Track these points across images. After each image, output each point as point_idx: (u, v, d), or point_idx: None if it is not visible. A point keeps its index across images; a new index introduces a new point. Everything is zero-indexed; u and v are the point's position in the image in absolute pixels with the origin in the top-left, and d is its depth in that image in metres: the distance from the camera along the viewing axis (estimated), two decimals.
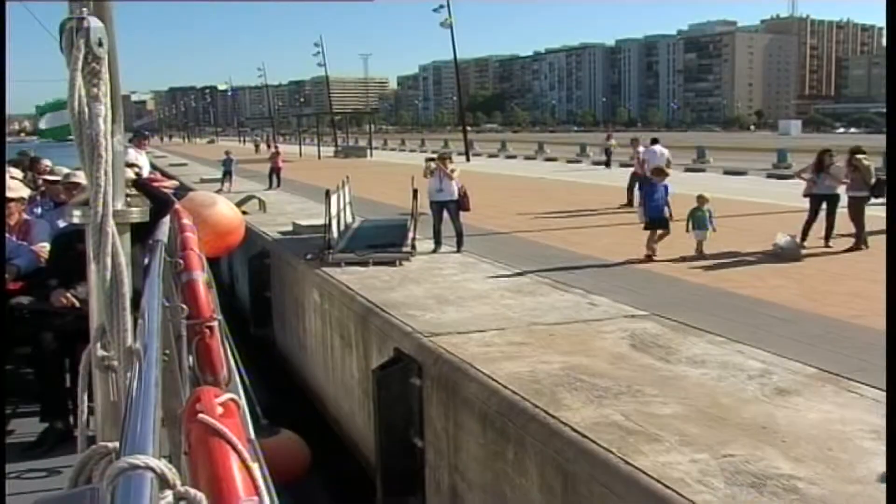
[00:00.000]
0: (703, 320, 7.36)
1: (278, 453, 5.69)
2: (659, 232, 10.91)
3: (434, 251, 11.37)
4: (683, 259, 10.57)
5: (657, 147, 18.10)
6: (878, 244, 11.39)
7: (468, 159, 37.58)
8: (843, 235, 11.60)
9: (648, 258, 10.62)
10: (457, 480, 6.19)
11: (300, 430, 7.64)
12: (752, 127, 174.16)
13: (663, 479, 4.13)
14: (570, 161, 36.61)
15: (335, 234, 11.55)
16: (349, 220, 13.83)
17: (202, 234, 4.20)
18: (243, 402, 1.52)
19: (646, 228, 11.06)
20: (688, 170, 28.09)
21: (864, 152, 12.06)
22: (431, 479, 6.65)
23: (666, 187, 11.32)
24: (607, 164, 31.15)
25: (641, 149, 18.62)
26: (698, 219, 11.02)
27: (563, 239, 12.65)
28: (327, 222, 11.10)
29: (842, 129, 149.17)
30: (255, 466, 0.99)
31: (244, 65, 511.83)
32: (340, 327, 9.13)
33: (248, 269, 13.75)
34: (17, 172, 7.64)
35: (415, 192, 11.76)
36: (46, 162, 10.36)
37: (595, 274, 9.77)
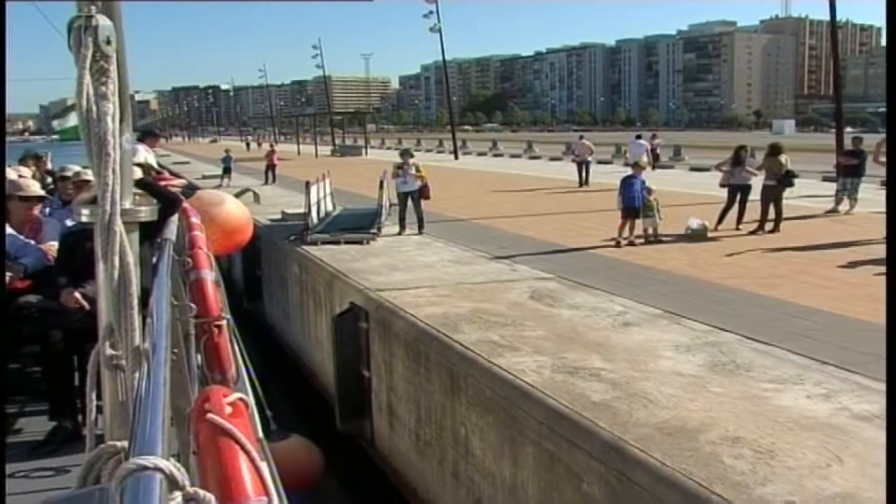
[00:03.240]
0: (597, 281, 9.23)
1: (289, 459, 5.50)
2: (631, 220, 12.18)
3: (399, 234, 13.25)
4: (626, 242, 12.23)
5: (642, 141, 23.58)
6: (787, 229, 13.26)
7: (456, 157, 39.52)
8: (763, 220, 13.39)
9: (630, 243, 11.85)
10: (392, 398, 8.07)
11: (311, 435, 8.85)
12: (752, 126, 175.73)
13: (510, 370, 6.00)
14: (552, 159, 38.54)
15: (315, 220, 13.47)
16: (329, 208, 15.76)
17: (210, 233, 4.17)
18: (252, 401, 1.53)
19: (623, 217, 12.28)
20: (658, 167, 29.89)
21: (781, 149, 13.87)
22: (375, 400, 8.54)
23: (643, 181, 12.76)
24: (653, 165, 28.94)
25: (584, 141, 24.34)
26: (647, 207, 12.47)
27: (514, 224, 14.53)
28: (307, 209, 13.00)
29: None
30: (263, 466, 1.00)
31: (248, 64, 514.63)
32: (314, 292, 11.02)
33: (241, 252, 15.59)
34: (27, 171, 8.03)
35: (381, 183, 13.68)
36: (46, 161, 10.89)
37: (530, 250, 11.62)
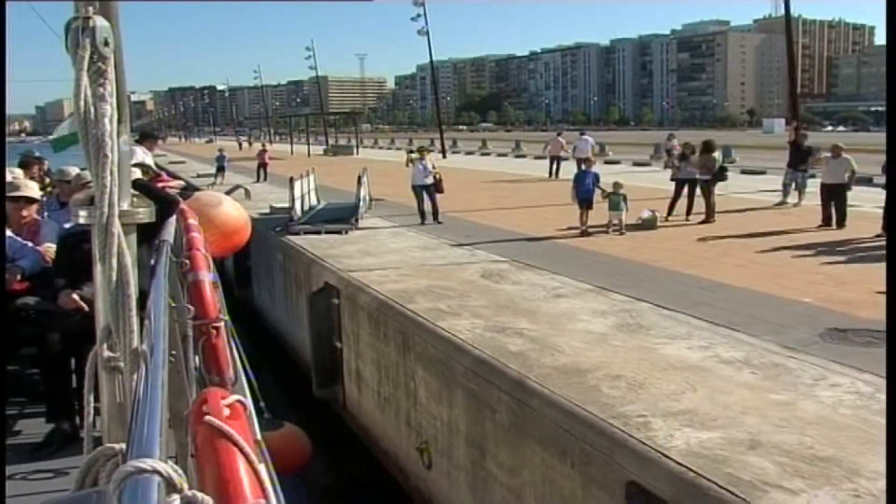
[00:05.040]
0: (545, 263, 10.41)
1: (282, 447, 5.43)
2: (585, 210, 13.24)
3: (421, 223, 14.48)
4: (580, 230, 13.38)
5: (587, 137, 25.98)
6: (733, 219, 14.46)
7: (444, 156, 40.72)
8: (708, 210, 14.58)
9: (583, 233, 12.92)
10: (359, 364, 9.25)
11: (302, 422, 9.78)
12: (745, 125, 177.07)
13: (450, 330, 7.18)
14: (536, 157, 39.68)
15: (299, 212, 14.65)
16: (314, 202, 16.94)
17: (208, 234, 4.16)
18: (250, 403, 1.50)
19: (580, 208, 13.36)
20: (635, 164, 31.14)
21: (714, 146, 15.09)
22: (346, 368, 9.71)
23: (595, 175, 13.82)
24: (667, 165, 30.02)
25: (559, 139, 27.04)
26: (613, 202, 13.51)
27: (484, 216, 15.73)
28: (291, 203, 14.18)
29: (830, 127, 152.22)
30: (262, 468, 1.00)
31: (244, 65, 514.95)
32: (295, 276, 12.20)
33: None
34: (20, 172, 7.96)
35: (358, 179, 14.91)
36: (45, 163, 10.90)
37: (493, 238, 12.78)
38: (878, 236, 12.24)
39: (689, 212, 14.65)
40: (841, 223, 13.38)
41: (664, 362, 6.18)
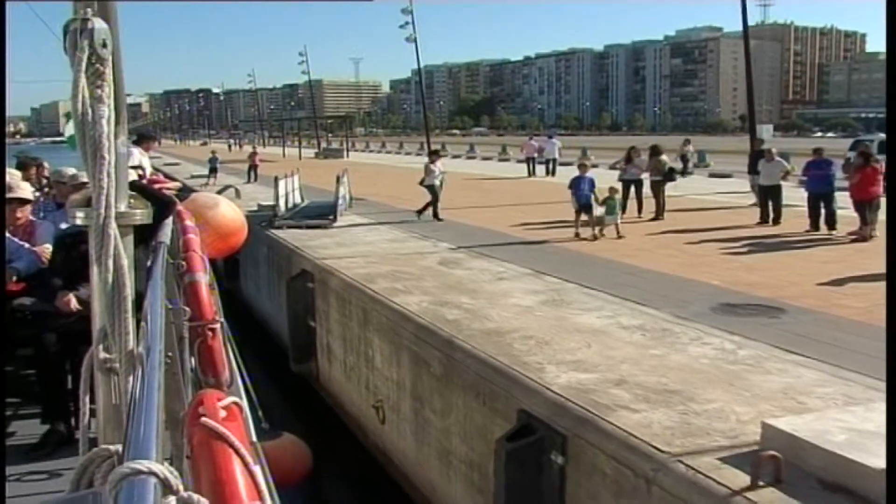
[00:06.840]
0: (498, 253, 11.68)
1: (280, 456, 5.54)
2: (584, 217, 13.82)
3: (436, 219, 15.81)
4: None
5: (554, 140, 30.15)
6: (686, 217, 15.77)
7: None
8: (670, 211, 15.87)
9: (593, 237, 13.50)
10: (329, 339, 10.52)
11: (303, 433, 10.98)
12: (736, 130, 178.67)
13: (402, 304, 8.44)
14: (519, 161, 41.05)
15: (283, 209, 15.94)
16: (298, 200, 18.23)
17: (205, 236, 4.26)
18: (245, 404, 1.58)
19: (577, 212, 14.02)
20: (611, 167, 32.44)
21: (661, 150, 16.47)
22: (319, 344, 10.98)
23: (591, 180, 14.54)
24: (683, 172, 27.12)
25: (534, 142, 30.72)
26: (609, 206, 14.26)
27: (456, 213, 16.99)
28: (275, 200, 15.47)
29: (819, 133, 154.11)
30: (257, 470, 1.01)
31: (240, 68, 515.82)
32: (278, 266, 13.46)
33: None
34: (17, 173, 7.96)
35: (337, 178, 16.22)
36: (44, 164, 10.93)
37: (458, 232, 14.06)
38: (807, 231, 13.59)
39: (639, 210, 15.94)
40: (777, 220, 14.69)
41: (572, 327, 7.45)
